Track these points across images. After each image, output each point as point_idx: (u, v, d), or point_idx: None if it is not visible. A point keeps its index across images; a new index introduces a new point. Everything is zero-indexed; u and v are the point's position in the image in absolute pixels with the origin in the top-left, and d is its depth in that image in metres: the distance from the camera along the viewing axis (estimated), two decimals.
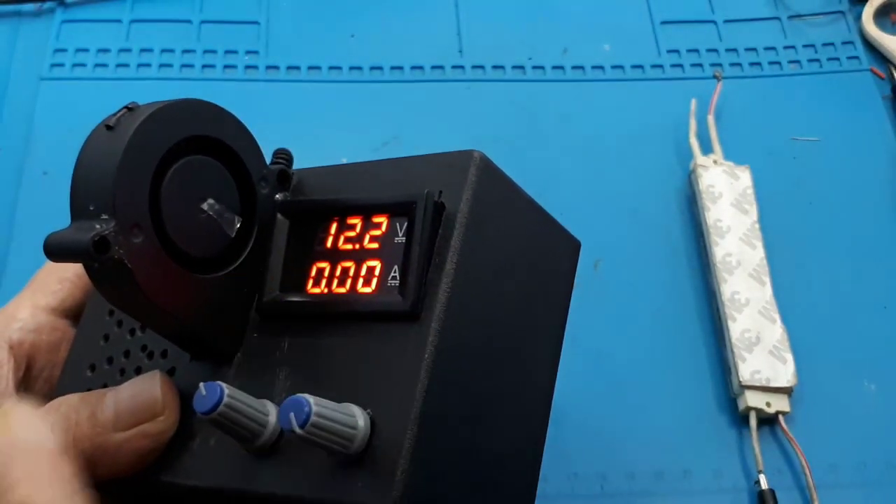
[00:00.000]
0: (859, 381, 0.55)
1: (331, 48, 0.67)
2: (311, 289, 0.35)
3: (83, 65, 0.65)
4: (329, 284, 0.35)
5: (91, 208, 0.32)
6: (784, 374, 0.52)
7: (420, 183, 0.34)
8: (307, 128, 0.63)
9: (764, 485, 0.50)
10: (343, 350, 0.33)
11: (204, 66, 0.65)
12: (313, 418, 0.29)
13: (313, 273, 0.35)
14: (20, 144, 0.62)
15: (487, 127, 0.63)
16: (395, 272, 0.33)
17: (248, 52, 0.66)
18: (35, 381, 0.42)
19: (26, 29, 0.67)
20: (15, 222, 0.58)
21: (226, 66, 0.66)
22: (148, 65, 0.65)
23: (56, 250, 0.32)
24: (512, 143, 0.62)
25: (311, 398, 0.30)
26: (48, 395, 0.40)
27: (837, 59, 0.68)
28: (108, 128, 0.32)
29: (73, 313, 0.43)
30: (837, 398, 0.54)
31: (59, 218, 0.33)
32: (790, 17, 0.70)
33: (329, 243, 0.35)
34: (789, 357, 0.53)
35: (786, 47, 0.68)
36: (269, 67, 0.66)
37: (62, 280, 0.43)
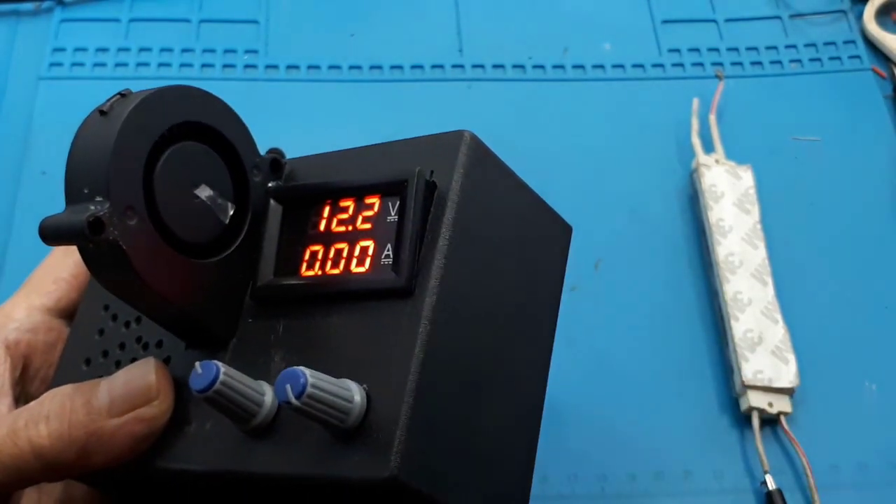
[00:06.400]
0: (861, 381, 0.55)
1: (330, 47, 0.67)
2: (305, 272, 0.35)
3: (82, 64, 0.65)
4: (323, 266, 0.35)
5: (85, 191, 0.32)
6: (786, 374, 0.52)
7: (411, 163, 0.34)
8: (306, 127, 0.63)
9: (771, 485, 0.50)
10: (338, 329, 0.34)
11: (203, 66, 0.65)
12: (309, 389, 0.29)
13: (307, 256, 0.35)
14: (19, 144, 0.61)
15: (487, 126, 0.62)
16: (388, 251, 0.33)
17: (247, 52, 0.66)
18: (31, 381, 0.42)
19: (25, 28, 0.67)
20: (13, 222, 0.58)
21: (225, 66, 0.65)
22: (147, 64, 0.65)
23: (51, 233, 0.32)
24: (512, 143, 0.61)
25: (307, 370, 0.30)
26: None
27: (839, 58, 0.67)
28: (102, 113, 0.33)
29: (69, 313, 0.43)
30: (839, 399, 0.54)
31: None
32: (791, 17, 0.70)
33: (322, 226, 0.36)
34: (791, 357, 0.53)
35: (787, 46, 0.68)
36: (268, 67, 0.66)
37: (57, 280, 0.43)
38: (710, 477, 0.51)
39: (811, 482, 0.50)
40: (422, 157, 0.34)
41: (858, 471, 0.52)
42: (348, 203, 0.35)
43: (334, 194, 0.36)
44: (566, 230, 0.39)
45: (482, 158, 0.34)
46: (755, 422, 0.51)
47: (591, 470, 0.51)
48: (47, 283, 0.43)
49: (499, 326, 0.35)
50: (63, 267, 0.43)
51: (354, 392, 0.31)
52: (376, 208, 0.34)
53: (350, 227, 0.35)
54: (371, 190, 0.34)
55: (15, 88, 0.64)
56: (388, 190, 0.34)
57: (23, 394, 0.41)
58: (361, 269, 0.34)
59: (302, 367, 0.30)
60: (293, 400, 0.29)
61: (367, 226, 0.34)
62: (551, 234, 0.38)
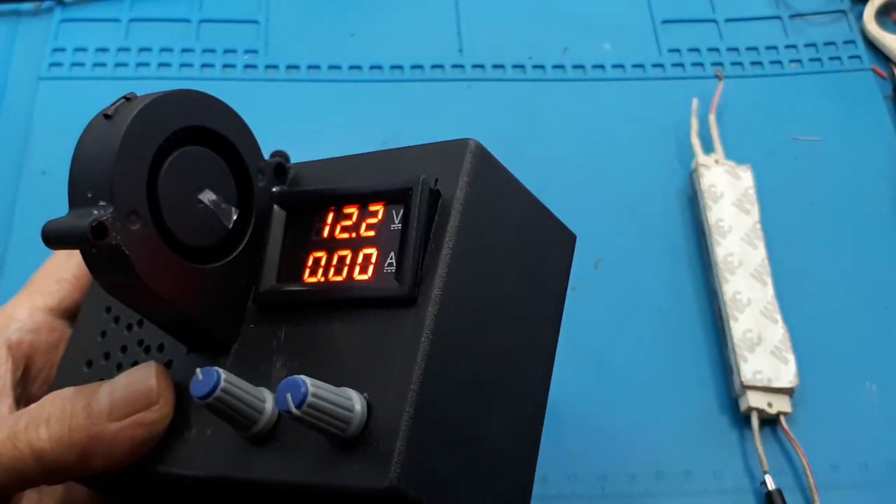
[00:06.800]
0: (861, 381, 0.55)
1: (330, 47, 0.67)
2: (308, 278, 0.35)
3: (82, 64, 0.65)
4: (326, 273, 0.35)
5: (89, 195, 0.32)
6: (786, 374, 0.52)
7: (416, 171, 0.34)
8: (306, 127, 0.63)
9: (771, 485, 0.50)
10: (340, 337, 0.34)
11: (203, 66, 0.65)
12: (310, 399, 0.29)
13: (310, 263, 0.35)
14: (19, 144, 0.61)
15: (487, 126, 0.63)
16: (391, 258, 0.33)
17: (247, 52, 0.66)
18: (33, 382, 0.42)
19: (25, 28, 0.67)
20: (13, 222, 0.58)
21: (225, 66, 0.65)
22: (147, 64, 0.65)
23: (54, 237, 0.32)
24: (512, 143, 0.62)
25: (307, 379, 0.30)
26: None
27: (839, 58, 0.68)
28: (107, 117, 0.33)
29: (71, 314, 0.43)
30: (839, 398, 0.54)
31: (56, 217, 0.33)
32: (791, 17, 0.70)
33: (326, 233, 0.36)
34: (791, 357, 0.53)
35: (787, 46, 0.68)
36: (268, 67, 0.66)
37: (60, 281, 0.43)
38: (709, 477, 0.51)
39: (811, 482, 0.50)
40: (426, 165, 0.34)
41: (858, 471, 0.52)
42: (352, 210, 0.35)
43: (338, 201, 0.36)
44: (570, 238, 0.39)
45: (487, 167, 0.34)
46: (754, 422, 0.51)
47: (591, 470, 0.51)
48: (50, 283, 0.43)
49: (502, 335, 0.35)
50: (66, 267, 0.43)
51: (355, 401, 0.31)
52: (380, 216, 0.34)
53: (353, 234, 0.35)
54: (375, 197, 0.34)
55: (15, 88, 0.64)
56: (392, 197, 0.34)
57: (24, 394, 0.41)
58: (364, 277, 0.34)
59: (302, 376, 0.30)
60: (293, 409, 0.29)
61: (371, 233, 0.34)
62: (555, 243, 0.38)
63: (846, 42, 0.68)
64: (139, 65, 0.65)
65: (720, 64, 0.67)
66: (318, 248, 0.35)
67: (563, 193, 0.59)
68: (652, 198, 0.61)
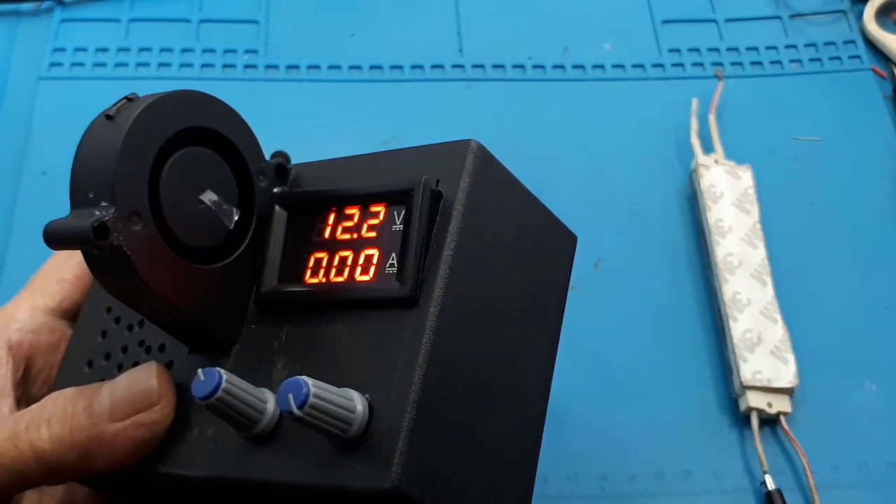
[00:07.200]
0: (861, 381, 0.55)
1: (330, 47, 0.67)
2: (310, 279, 0.35)
3: (82, 64, 0.65)
4: (327, 274, 0.35)
5: (91, 196, 0.32)
6: (785, 374, 0.52)
7: (417, 172, 0.34)
8: (306, 127, 0.63)
9: (770, 485, 0.50)
10: (341, 337, 0.34)
11: (203, 66, 0.65)
12: (311, 399, 0.29)
13: (311, 263, 0.35)
14: (19, 144, 0.61)
15: (487, 127, 0.63)
16: (392, 259, 0.33)
17: (247, 52, 0.66)
18: (34, 382, 0.42)
19: (25, 28, 0.67)
20: (13, 222, 0.58)
21: (225, 66, 0.65)
22: (147, 64, 0.65)
23: (55, 237, 0.32)
24: (512, 143, 0.62)
25: (309, 380, 0.30)
26: None
27: (839, 58, 0.68)
28: (108, 117, 0.33)
29: (72, 314, 0.43)
30: (839, 399, 0.54)
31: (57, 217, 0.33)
32: (791, 17, 0.70)
33: (327, 233, 0.36)
34: (791, 357, 0.53)
35: (787, 46, 0.68)
36: (268, 67, 0.66)
37: (61, 281, 0.43)
38: (709, 477, 0.51)
39: (811, 482, 0.50)
40: (428, 166, 0.34)
41: (858, 471, 0.52)
42: (354, 211, 0.35)
43: (340, 201, 0.36)
44: (571, 239, 0.39)
45: (488, 168, 0.34)
46: (754, 422, 0.52)
47: (591, 470, 0.52)
48: (51, 283, 0.43)
49: (503, 335, 0.35)
50: (67, 268, 0.43)
51: (357, 402, 0.31)
52: (382, 216, 0.34)
53: (355, 235, 0.35)
54: (376, 198, 0.34)
55: (15, 88, 0.64)
56: (393, 198, 0.34)
57: (25, 395, 0.41)
58: (366, 278, 0.34)
59: (304, 377, 0.30)
60: (295, 410, 0.29)
61: (373, 234, 0.34)
62: (556, 243, 0.38)
63: (846, 42, 0.68)
64: (139, 65, 0.65)
65: (720, 64, 0.67)
66: (320, 249, 0.35)
67: (563, 193, 0.59)
68: (652, 198, 0.61)
